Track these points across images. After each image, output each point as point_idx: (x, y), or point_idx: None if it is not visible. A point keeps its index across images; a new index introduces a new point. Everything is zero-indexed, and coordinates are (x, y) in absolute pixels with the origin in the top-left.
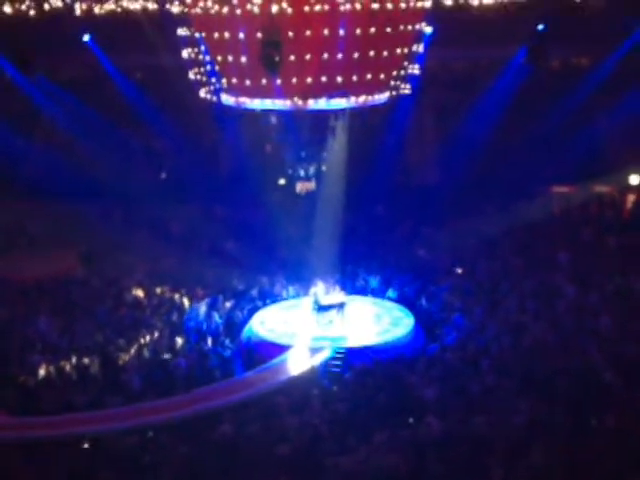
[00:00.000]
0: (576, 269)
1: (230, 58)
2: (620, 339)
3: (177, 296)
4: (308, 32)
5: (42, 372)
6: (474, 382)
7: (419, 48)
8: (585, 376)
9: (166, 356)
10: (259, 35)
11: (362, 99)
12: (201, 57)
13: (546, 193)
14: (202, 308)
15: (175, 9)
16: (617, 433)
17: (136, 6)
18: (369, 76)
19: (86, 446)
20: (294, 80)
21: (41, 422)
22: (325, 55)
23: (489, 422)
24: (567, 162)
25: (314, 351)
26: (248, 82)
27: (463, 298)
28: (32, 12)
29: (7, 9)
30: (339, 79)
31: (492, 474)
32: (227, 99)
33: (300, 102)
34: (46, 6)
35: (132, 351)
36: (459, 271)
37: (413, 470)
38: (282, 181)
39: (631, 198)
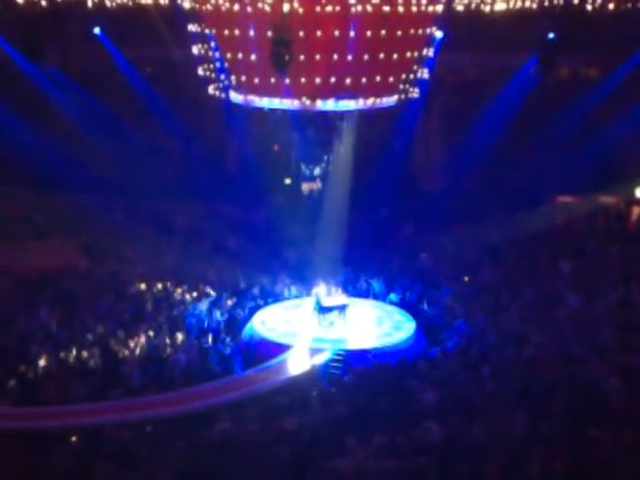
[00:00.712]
0: (579, 279)
1: (240, 56)
2: (622, 350)
3: (179, 292)
4: (319, 32)
5: (42, 363)
6: (474, 389)
7: (429, 52)
8: (586, 387)
9: (166, 351)
10: (269, 33)
11: (370, 101)
12: (211, 54)
13: (551, 202)
14: (203, 305)
15: (186, 5)
16: (616, 445)
17: (148, 1)
18: (378, 79)
19: (85, 438)
20: (303, 80)
21: (41, 413)
22: (335, 56)
23: (488, 430)
24: (573, 172)
25: (314, 352)
26: (257, 80)
27: (465, 304)
28: (44, 2)
29: None
30: (348, 81)
31: None
32: (235, 97)
33: (308, 102)
34: None
35: (132, 345)
36: (464, 278)
37: (411, 476)
38: (288, 181)
39: (637, 210)
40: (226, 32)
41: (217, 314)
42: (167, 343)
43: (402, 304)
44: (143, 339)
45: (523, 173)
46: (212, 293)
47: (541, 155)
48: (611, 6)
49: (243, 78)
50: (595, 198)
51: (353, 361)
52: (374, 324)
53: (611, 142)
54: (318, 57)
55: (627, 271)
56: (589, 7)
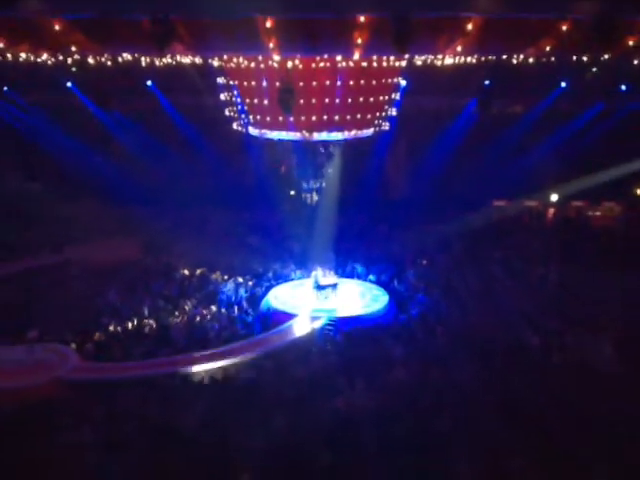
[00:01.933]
0: (509, 263)
1: (255, 100)
2: (542, 316)
3: (213, 276)
4: (314, 82)
5: (111, 330)
6: (431, 344)
7: (396, 96)
8: (514, 343)
9: (204, 320)
10: (277, 84)
11: (353, 133)
12: (234, 99)
13: (488, 206)
14: (231, 285)
15: (215, 63)
16: (537, 383)
17: (187, 60)
18: (359, 116)
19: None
20: (303, 118)
21: (110, 367)
22: (326, 100)
23: (442, 374)
24: (504, 183)
25: (314, 319)
26: (268, 118)
27: (425, 282)
28: (109, 63)
29: (91, 61)
30: (336, 118)
31: (444, 414)
32: (253, 131)
33: (307, 134)
34: (120, 59)
35: (178, 315)
36: (424, 262)
37: (386, 409)
38: (292, 192)
39: (551, 210)
40: (245, 83)
41: (241, 291)
42: (204, 314)
43: (378, 282)
44: (186, 311)
45: (467, 184)
46: (238, 276)
47: (480, 170)
48: (531, 60)
49: (258, 117)
50: (521, 202)
51: (342, 325)
52: (358, 297)
53: (531, 160)
54: (314, 101)
55: (545, 256)
56: (514, 61)
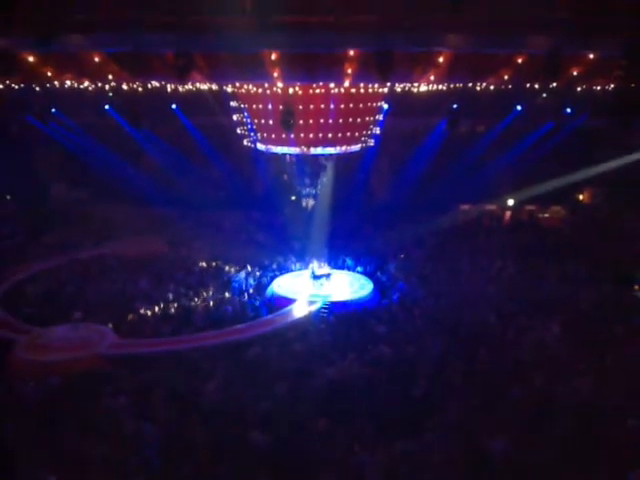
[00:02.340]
0: (473, 256)
1: (262, 121)
2: (500, 299)
3: (227, 267)
4: (311, 106)
5: (142, 312)
6: (409, 324)
7: (380, 117)
8: (476, 321)
9: (219, 304)
10: (280, 107)
11: (344, 148)
12: (244, 119)
13: (455, 209)
14: (242, 275)
15: (229, 89)
16: (497, 354)
17: (204, 87)
18: (348, 134)
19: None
20: (302, 135)
21: (141, 343)
22: (321, 120)
23: (418, 349)
24: (469, 190)
25: (311, 303)
26: (273, 135)
27: (404, 272)
28: (140, 89)
29: (124, 87)
30: (330, 135)
31: (419, 382)
32: (260, 146)
33: (305, 149)
34: (149, 86)
35: (197, 300)
36: (402, 256)
37: (373, 378)
38: (293, 198)
39: (508, 213)
40: (254, 106)
41: (250, 280)
42: (219, 299)
43: (365, 273)
44: (204, 297)
45: (438, 191)
46: (248, 268)
47: (449, 179)
48: (492, 87)
49: (265, 134)
50: (482, 206)
51: (335, 308)
52: (348, 285)
53: (492, 171)
54: (311, 121)
55: (503, 251)
56: (478, 88)
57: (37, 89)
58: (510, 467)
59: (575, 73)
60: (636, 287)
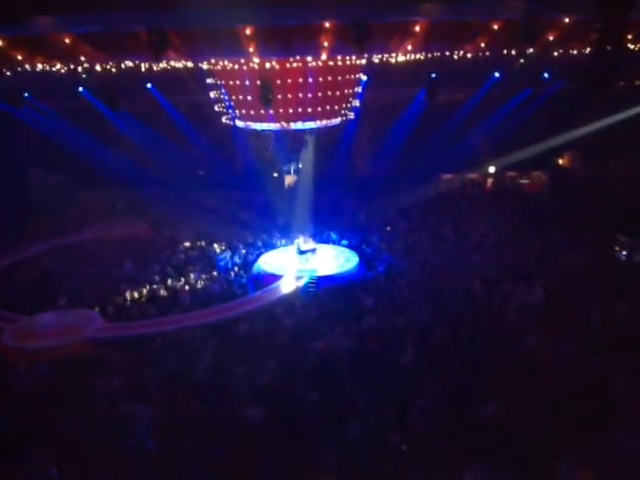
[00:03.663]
0: (457, 224)
1: (240, 97)
2: (483, 267)
3: (212, 247)
4: (289, 80)
5: (128, 295)
6: (395, 295)
7: (359, 89)
8: (461, 289)
9: (206, 283)
10: (258, 82)
11: (324, 122)
12: (222, 96)
13: (438, 179)
14: (228, 253)
15: (204, 66)
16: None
17: (180, 65)
18: (328, 107)
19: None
20: (281, 110)
21: (128, 326)
22: (300, 94)
23: (405, 319)
24: (450, 159)
25: (297, 278)
26: (252, 112)
27: (388, 244)
28: (114, 70)
29: (98, 68)
30: (309, 109)
31: (407, 351)
32: (239, 123)
33: (285, 125)
34: (122, 66)
35: (184, 280)
36: (387, 228)
37: (360, 350)
38: (275, 174)
39: (489, 180)
40: (231, 82)
41: (236, 258)
42: (205, 278)
43: (350, 246)
44: (190, 276)
45: (419, 161)
46: (232, 246)
47: (430, 149)
48: (469, 55)
49: (243, 111)
50: (464, 174)
51: (321, 282)
52: (333, 259)
53: (472, 139)
54: (289, 96)
55: (485, 217)
56: (455, 56)
57: (7, 73)
58: (498, 432)
59: (551, 38)
60: (617, 248)
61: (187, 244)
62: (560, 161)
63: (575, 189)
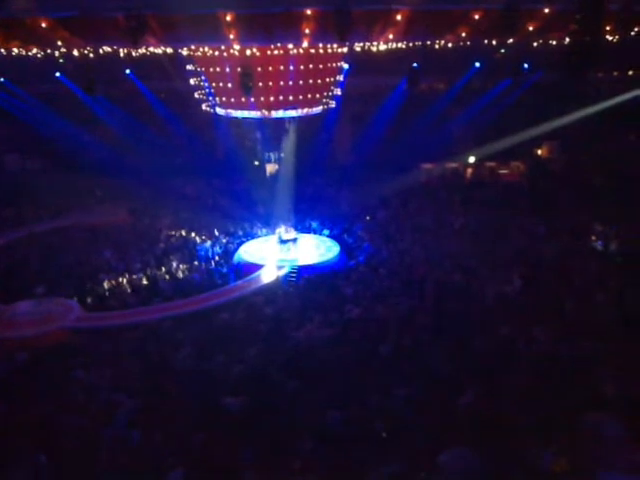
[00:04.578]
0: (435, 213)
1: (220, 84)
2: (463, 256)
3: (192, 235)
4: (270, 68)
5: (106, 285)
6: (376, 284)
7: (340, 77)
8: (440, 279)
9: (186, 273)
10: (239, 69)
11: (305, 110)
12: (202, 83)
13: (418, 168)
14: (208, 242)
15: (184, 52)
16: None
17: (159, 51)
18: (309, 96)
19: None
20: (262, 98)
21: (107, 315)
22: (281, 82)
23: (386, 307)
24: (430, 149)
25: (279, 268)
26: (233, 99)
27: (369, 233)
28: (91, 55)
29: (75, 53)
30: (290, 97)
31: (388, 339)
32: (220, 111)
33: (266, 113)
34: (100, 51)
35: (164, 270)
36: (367, 218)
37: (340, 339)
38: (256, 163)
39: (469, 170)
40: (211, 69)
41: (217, 248)
42: (186, 267)
43: (331, 236)
44: (172, 266)
45: (400, 150)
46: (213, 235)
47: (411, 138)
48: (450, 44)
49: (224, 98)
50: (444, 164)
51: (302, 272)
52: (314, 249)
53: (452, 129)
54: (270, 83)
55: (465, 207)
56: (437, 45)
57: None
58: (474, 419)
59: (531, 28)
60: (593, 238)
61: (167, 232)
62: (539, 151)
63: (553, 179)
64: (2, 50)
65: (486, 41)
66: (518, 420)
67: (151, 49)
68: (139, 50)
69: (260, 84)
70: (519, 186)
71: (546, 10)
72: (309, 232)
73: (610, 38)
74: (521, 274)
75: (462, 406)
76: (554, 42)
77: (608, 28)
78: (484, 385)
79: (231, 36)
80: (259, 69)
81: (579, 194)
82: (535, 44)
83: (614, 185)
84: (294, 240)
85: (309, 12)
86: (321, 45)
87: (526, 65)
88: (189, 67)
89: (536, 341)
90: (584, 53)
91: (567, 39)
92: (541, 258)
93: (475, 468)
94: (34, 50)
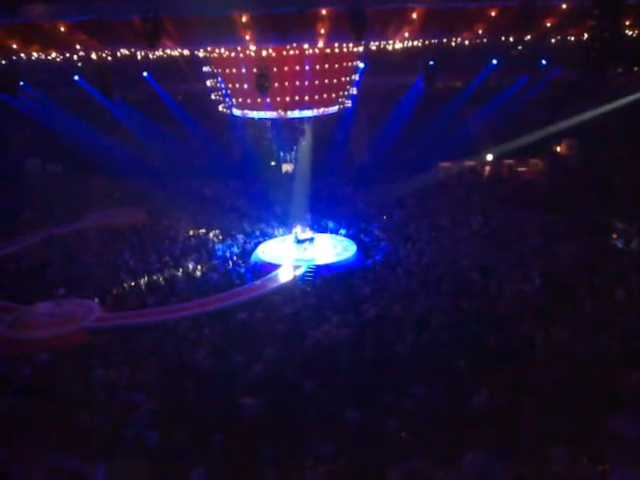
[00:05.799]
0: (454, 213)
1: (237, 85)
2: (481, 257)
3: (210, 235)
4: (286, 68)
5: (127, 284)
6: (393, 283)
7: (356, 77)
8: (459, 278)
9: (204, 272)
10: (255, 70)
11: (321, 110)
12: (218, 85)
13: (435, 167)
14: (226, 242)
15: (201, 54)
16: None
17: (175, 53)
18: (325, 95)
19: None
20: (278, 99)
21: (127, 315)
22: (297, 82)
23: (402, 308)
24: (448, 147)
25: (295, 267)
26: (249, 100)
27: (386, 233)
28: (109, 58)
29: (93, 56)
30: (306, 97)
31: (407, 339)
32: (236, 111)
33: (282, 113)
34: (118, 54)
35: (182, 270)
36: (384, 217)
37: (357, 338)
38: (273, 163)
39: (487, 168)
40: (227, 70)
41: (234, 248)
42: (204, 268)
43: (348, 235)
44: (189, 266)
45: (417, 150)
46: (230, 235)
47: (428, 137)
48: (466, 42)
49: (240, 99)
50: (462, 162)
51: (319, 271)
52: (331, 248)
53: (470, 127)
54: (286, 84)
55: (483, 206)
56: (453, 43)
57: (3, 62)
58: (492, 417)
59: (549, 24)
60: (614, 236)
61: (185, 233)
62: (558, 148)
63: (572, 176)
64: (22, 54)
65: (503, 38)
66: (536, 419)
67: (168, 51)
68: (156, 53)
69: (276, 84)
70: (538, 184)
71: (564, 6)
72: (326, 232)
73: (629, 33)
74: (541, 272)
75: (478, 405)
76: (572, 38)
77: (627, 23)
78: (502, 384)
79: (247, 37)
80: (275, 69)
81: (599, 191)
82: (553, 40)
83: (634, 182)
84: (311, 240)
85: (324, 12)
86: (336, 45)
87: (544, 62)
88: (205, 69)
89: (555, 339)
90: (603, 49)
91: (585, 35)
92: (561, 256)
93: (495, 472)
94: (53, 54)
